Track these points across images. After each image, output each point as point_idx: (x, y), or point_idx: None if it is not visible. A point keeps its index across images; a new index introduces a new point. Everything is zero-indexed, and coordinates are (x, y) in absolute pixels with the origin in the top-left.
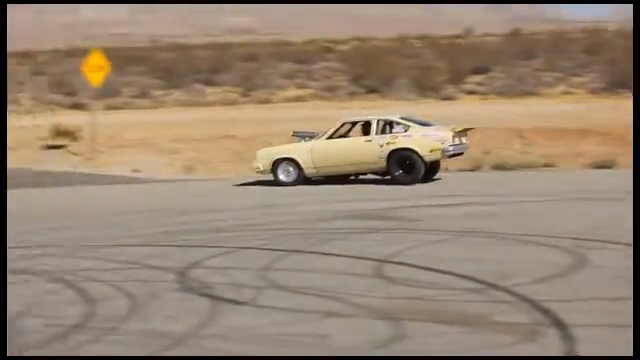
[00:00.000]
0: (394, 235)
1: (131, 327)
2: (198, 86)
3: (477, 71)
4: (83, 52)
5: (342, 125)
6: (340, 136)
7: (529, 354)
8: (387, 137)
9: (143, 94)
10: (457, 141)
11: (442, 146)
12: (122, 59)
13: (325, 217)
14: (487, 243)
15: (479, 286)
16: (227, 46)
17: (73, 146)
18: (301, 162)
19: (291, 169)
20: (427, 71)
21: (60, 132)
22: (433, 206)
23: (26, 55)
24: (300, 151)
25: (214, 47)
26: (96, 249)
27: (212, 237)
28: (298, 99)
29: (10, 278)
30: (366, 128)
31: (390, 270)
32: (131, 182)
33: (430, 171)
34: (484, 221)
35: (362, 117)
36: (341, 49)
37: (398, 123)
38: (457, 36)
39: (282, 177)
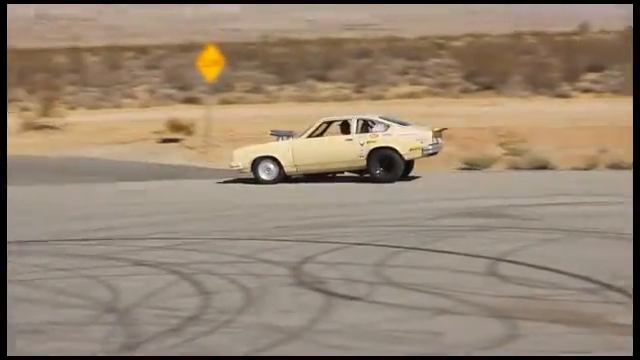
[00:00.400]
0: (508, 233)
1: (245, 320)
2: (311, 82)
3: (593, 69)
4: (197, 47)
5: (321, 124)
6: (318, 135)
7: None
8: (367, 136)
9: (256, 89)
10: (435, 140)
11: (422, 145)
12: (235, 54)
13: (436, 214)
14: (602, 243)
15: (594, 286)
16: (339, 42)
17: (188, 140)
18: (282, 160)
19: (271, 167)
20: (541, 68)
21: (175, 126)
22: (548, 205)
23: (142, 50)
24: (281, 150)
25: (326, 43)
26: (210, 242)
27: (324, 232)
28: (411, 95)
29: (131, 270)
30: (345, 127)
31: (503, 268)
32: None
33: (405, 169)
34: (600, 221)
35: (341, 116)
36: (454, 45)
37: (378, 122)
38: (572, 32)
39: (263, 175)
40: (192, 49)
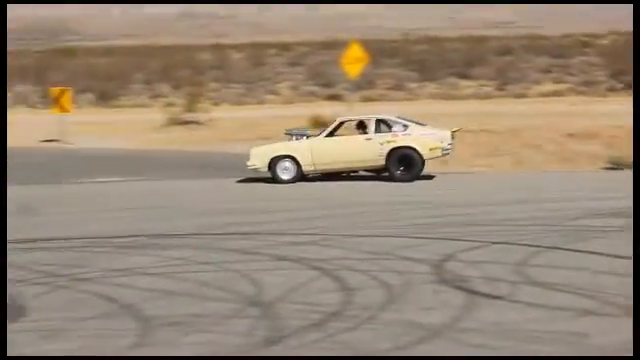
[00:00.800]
0: None
1: (387, 317)
2: (452, 79)
3: None
4: (340, 44)
5: (339, 123)
6: (333, 134)
7: None
8: (387, 135)
9: (398, 86)
10: (451, 141)
11: (442, 145)
12: (377, 51)
13: (577, 214)
14: None
15: None
16: (481, 39)
17: None
18: (300, 160)
19: (289, 166)
20: None
21: (318, 122)
22: None
23: (285, 47)
24: (300, 149)
25: (468, 40)
26: (348, 239)
27: (463, 231)
28: (554, 94)
29: (273, 264)
30: (363, 127)
31: None
32: None
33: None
34: None
35: (359, 116)
36: (599, 43)
37: (395, 122)
38: None
39: (281, 175)
40: (335, 46)
